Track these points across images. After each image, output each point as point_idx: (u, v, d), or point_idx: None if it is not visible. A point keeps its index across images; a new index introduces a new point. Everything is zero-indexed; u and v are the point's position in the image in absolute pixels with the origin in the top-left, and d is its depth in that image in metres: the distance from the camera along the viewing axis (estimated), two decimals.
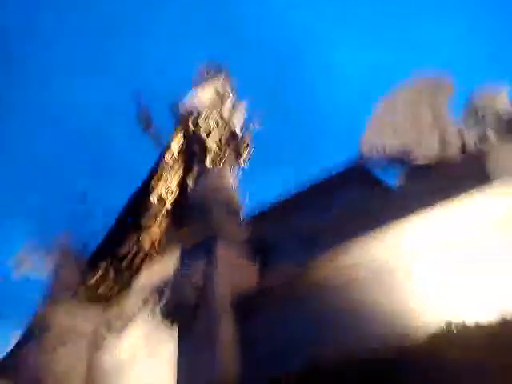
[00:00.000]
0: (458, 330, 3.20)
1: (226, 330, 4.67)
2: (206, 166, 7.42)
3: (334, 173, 5.45)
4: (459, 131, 6.12)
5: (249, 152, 9.56)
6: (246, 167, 9.79)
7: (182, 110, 9.94)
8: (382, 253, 4.09)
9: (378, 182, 5.24)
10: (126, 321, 6.53)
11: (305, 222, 5.17)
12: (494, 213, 3.64)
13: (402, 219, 4.04)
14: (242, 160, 9.59)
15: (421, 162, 5.05)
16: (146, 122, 7.13)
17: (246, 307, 4.79)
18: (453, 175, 4.39)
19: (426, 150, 5.24)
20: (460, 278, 3.62)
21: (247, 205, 8.68)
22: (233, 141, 9.63)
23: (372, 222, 4.36)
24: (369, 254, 4.15)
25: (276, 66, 35.99)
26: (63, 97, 34.36)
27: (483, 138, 6.01)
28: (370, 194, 5.03)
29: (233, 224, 5.38)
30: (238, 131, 9.89)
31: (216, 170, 6.50)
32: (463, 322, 3.22)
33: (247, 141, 9.64)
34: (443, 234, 3.84)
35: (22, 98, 34.78)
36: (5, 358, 7.76)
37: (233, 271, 5.03)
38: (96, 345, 6.97)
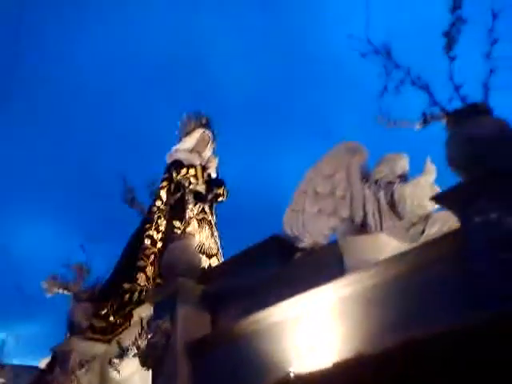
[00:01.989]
0: (296, 377, 4.99)
1: (183, 367, 6.65)
2: (174, 232, 9.29)
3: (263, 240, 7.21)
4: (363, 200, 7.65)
5: (223, 195, 11.37)
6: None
7: (168, 160, 11.81)
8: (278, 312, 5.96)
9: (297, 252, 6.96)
10: (125, 349, 8.55)
11: (238, 282, 7.01)
12: (341, 294, 5.44)
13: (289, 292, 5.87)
14: (218, 201, 11.43)
15: (304, 245, 6.78)
16: (131, 200, 8.92)
17: (197, 350, 6.76)
18: (323, 260, 6.11)
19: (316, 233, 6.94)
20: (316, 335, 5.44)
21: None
22: (211, 185, 11.46)
23: (280, 288, 6.21)
24: (269, 312, 6.04)
25: None
26: None
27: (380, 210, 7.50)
28: (289, 263, 6.80)
29: (191, 284, 7.26)
30: (214, 175, 11.70)
31: (182, 234, 8.31)
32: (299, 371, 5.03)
33: (222, 186, 11.44)
34: (310, 305, 5.68)
35: None
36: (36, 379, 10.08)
37: (189, 322, 6.96)
38: (107, 365, 9.07)
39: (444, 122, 5.08)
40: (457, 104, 5.04)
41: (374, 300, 5.08)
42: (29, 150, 37.79)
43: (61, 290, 12.30)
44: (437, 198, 4.84)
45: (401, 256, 5.08)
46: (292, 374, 5.02)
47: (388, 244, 6.12)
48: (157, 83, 38.76)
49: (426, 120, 5.04)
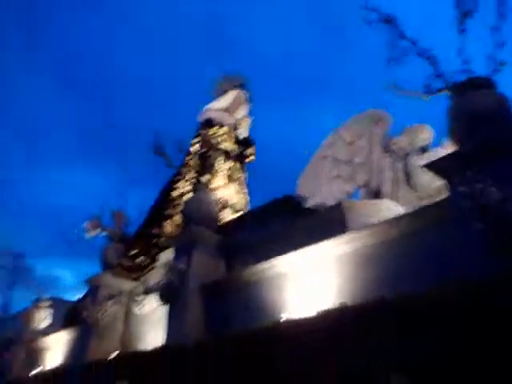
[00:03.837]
0: (285, 322, 5.45)
1: (195, 304, 7.31)
2: (197, 185, 9.86)
3: (274, 200, 7.64)
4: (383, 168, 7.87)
5: (253, 154, 11.82)
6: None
7: (199, 119, 12.30)
8: (282, 264, 6.44)
9: (306, 212, 7.34)
10: (149, 288, 9.37)
11: (252, 235, 7.52)
12: (340, 251, 5.82)
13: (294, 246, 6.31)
14: (247, 160, 11.88)
15: (312, 206, 7.11)
16: (159, 150, 9.52)
17: (210, 291, 7.40)
18: (326, 220, 6.47)
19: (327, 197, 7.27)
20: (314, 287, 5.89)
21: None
22: (240, 144, 11.90)
23: (286, 243, 6.68)
24: (274, 263, 6.52)
25: None
26: None
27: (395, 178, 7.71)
28: (296, 221, 7.20)
29: (208, 233, 7.85)
30: (245, 135, 12.11)
31: (203, 188, 8.86)
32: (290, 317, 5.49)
33: (252, 146, 11.87)
34: (311, 259, 6.10)
35: None
36: (74, 306, 11.18)
37: (204, 266, 7.59)
38: (132, 300, 9.97)
39: (448, 93, 5.23)
40: (462, 77, 5.17)
41: (368, 258, 5.44)
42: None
43: (100, 232, 13.24)
44: (428, 166, 5.05)
45: (395, 220, 5.37)
46: (282, 320, 5.52)
47: (390, 209, 6.40)
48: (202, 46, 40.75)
49: (429, 91, 5.21)
